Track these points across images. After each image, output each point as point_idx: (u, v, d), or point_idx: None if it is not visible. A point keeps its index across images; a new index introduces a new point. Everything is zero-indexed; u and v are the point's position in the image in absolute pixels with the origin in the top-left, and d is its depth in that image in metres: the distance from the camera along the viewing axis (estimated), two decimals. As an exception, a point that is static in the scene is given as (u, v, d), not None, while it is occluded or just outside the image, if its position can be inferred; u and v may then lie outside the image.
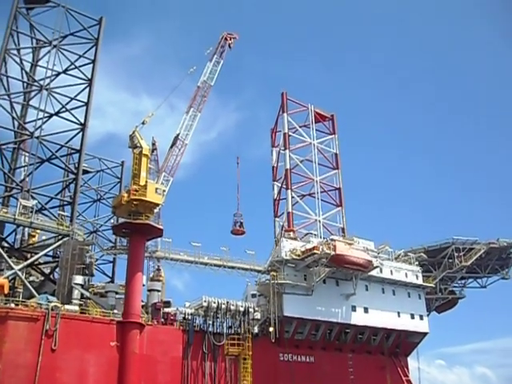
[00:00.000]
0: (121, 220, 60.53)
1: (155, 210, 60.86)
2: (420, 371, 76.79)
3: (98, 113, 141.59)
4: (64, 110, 64.70)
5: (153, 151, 70.48)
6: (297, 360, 66.37)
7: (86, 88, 66.28)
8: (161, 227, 59.99)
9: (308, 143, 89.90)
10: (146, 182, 59.36)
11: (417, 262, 79.00)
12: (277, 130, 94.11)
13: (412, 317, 75.54)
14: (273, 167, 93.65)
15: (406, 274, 76.29)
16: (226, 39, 76.20)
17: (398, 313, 74.18)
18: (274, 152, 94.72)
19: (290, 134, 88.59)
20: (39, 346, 48.87)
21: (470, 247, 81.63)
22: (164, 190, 61.77)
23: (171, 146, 70.24)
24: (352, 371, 69.23)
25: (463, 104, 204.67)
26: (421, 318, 76.45)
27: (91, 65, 67.23)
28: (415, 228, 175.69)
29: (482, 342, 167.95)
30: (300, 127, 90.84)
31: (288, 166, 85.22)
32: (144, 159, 60.49)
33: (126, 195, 58.01)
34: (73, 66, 66.49)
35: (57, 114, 64.49)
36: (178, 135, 70.26)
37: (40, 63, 69.32)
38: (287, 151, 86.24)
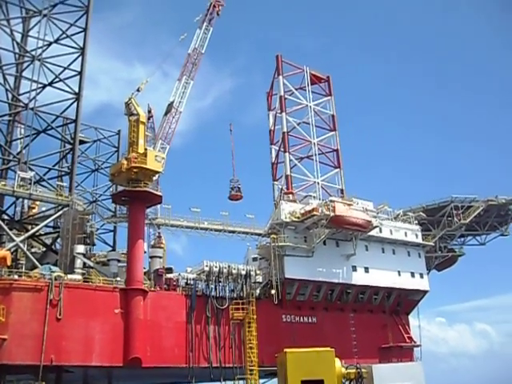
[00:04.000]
0: (120, 188, 60.65)
1: (154, 178, 60.92)
2: (421, 329, 77.88)
3: (90, 82, 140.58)
4: (57, 79, 64.00)
5: (149, 118, 70.02)
6: (299, 321, 67.08)
7: (78, 57, 65.39)
8: (160, 194, 60.05)
9: (304, 105, 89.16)
10: (146, 149, 59.23)
11: (416, 221, 79.18)
12: (272, 93, 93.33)
13: (412, 275, 76.02)
14: (270, 131, 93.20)
15: (406, 233, 76.62)
16: (214, 6, 75.18)
17: (399, 272, 74.73)
18: (271, 115, 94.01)
19: (286, 96, 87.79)
20: (44, 316, 49.32)
21: (469, 205, 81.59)
22: (163, 158, 61.62)
23: (165, 114, 70.12)
24: (354, 330, 69.99)
25: (461, 53, 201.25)
26: (421, 276, 77.01)
27: (83, 33, 66.18)
28: (414, 188, 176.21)
29: (482, 299, 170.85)
30: (296, 90, 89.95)
31: (285, 129, 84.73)
32: (141, 126, 60.21)
33: (125, 163, 57.76)
34: (64, 35, 65.46)
35: (50, 84, 63.84)
36: (172, 103, 69.96)
37: (31, 33, 68.16)
38: (284, 114, 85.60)
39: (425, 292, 77.62)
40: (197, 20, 74.71)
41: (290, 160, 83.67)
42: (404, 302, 76.54)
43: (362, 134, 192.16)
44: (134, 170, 57.76)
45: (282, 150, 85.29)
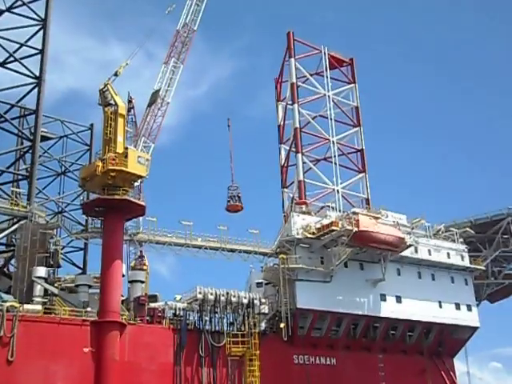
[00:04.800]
0: (92, 196, 60.21)
1: (135, 184, 60.73)
2: (470, 376, 76.84)
3: (55, 64, 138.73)
4: (12, 59, 63.70)
5: (129, 110, 70.11)
6: (314, 362, 66.21)
7: (39, 31, 65.06)
8: (143, 203, 59.67)
9: (322, 95, 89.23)
10: (126, 148, 58.73)
11: (462, 239, 78.33)
12: (282, 80, 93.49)
13: (457, 307, 75.07)
14: (278, 126, 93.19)
15: (449, 254, 75.74)
16: None
17: (440, 302, 73.82)
18: (280, 107, 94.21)
19: (299, 84, 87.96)
20: (-8, 358, 48.36)
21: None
22: (148, 159, 61.11)
23: (149, 105, 70.13)
24: (383, 376, 69.04)
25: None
26: (468, 308, 75.98)
27: (44, 0, 65.62)
28: (458, 197, 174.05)
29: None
30: (311, 75, 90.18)
31: (297, 125, 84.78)
32: (120, 120, 59.80)
33: (100, 165, 57.05)
34: (20, 3, 65.01)
35: (3, 64, 63.55)
36: (157, 91, 70.02)
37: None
38: (296, 106, 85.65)
39: (474, 329, 76.48)
40: None
41: (304, 162, 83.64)
42: (447, 341, 75.31)
43: (391, 128, 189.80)
44: (111, 174, 56.91)
45: (294, 150, 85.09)
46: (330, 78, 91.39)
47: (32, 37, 64.71)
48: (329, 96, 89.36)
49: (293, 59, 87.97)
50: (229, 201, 79.30)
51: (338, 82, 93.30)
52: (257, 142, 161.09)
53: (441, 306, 73.70)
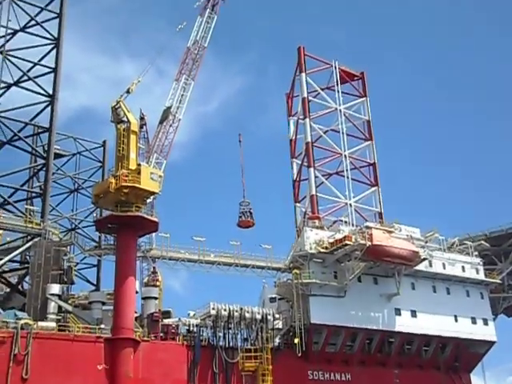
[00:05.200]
0: (105, 213, 60.22)
1: (148, 200, 60.55)
2: (487, 391, 75.91)
3: (68, 82, 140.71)
4: (26, 78, 64.13)
5: (141, 127, 70.23)
6: (329, 378, 65.88)
7: (52, 50, 65.50)
8: (156, 220, 59.69)
9: (333, 109, 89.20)
10: (139, 165, 58.85)
11: (476, 253, 77.82)
12: (293, 94, 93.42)
13: (473, 321, 74.54)
14: (290, 141, 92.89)
15: (463, 268, 75.37)
16: None
17: (455, 317, 73.40)
18: (292, 122, 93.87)
19: (311, 98, 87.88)
20: (6, 376, 48.23)
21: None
22: (161, 176, 61.31)
23: (161, 122, 70.37)
24: (399, 391, 68.66)
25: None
26: (485, 322, 75.42)
27: (57, 20, 66.27)
28: (472, 210, 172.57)
29: None
30: (322, 90, 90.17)
31: (309, 139, 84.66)
32: (133, 137, 60.06)
33: (113, 181, 57.19)
34: (33, 22, 65.64)
35: (17, 83, 63.92)
36: (169, 108, 70.30)
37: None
38: (307, 120, 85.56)
39: (491, 343, 75.81)
40: (197, 5, 75.40)
41: (316, 177, 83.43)
42: (464, 355, 74.70)
43: (403, 143, 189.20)
44: (124, 191, 57.13)
45: (306, 164, 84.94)
46: (341, 92, 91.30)
47: (45, 56, 65.18)
48: (340, 110, 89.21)
49: (304, 74, 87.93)
50: (240, 216, 78.97)
51: (349, 96, 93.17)
52: (268, 157, 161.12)
53: (456, 320, 73.21)
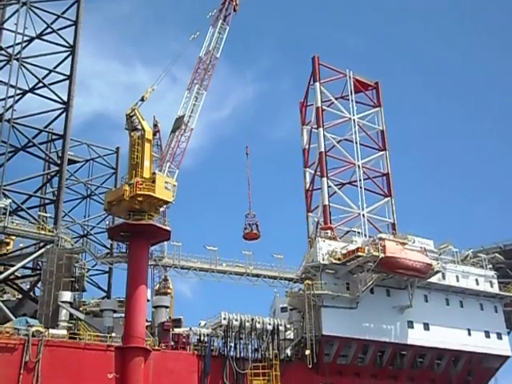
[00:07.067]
0: (118, 220, 60.30)
1: (161, 209, 60.63)
2: (501, 408, 75.49)
3: (81, 88, 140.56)
4: (41, 85, 64.34)
5: (155, 134, 70.34)
6: (340, 390, 65.44)
7: (67, 57, 65.77)
8: (168, 228, 59.86)
9: (347, 119, 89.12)
10: (154, 173, 59.09)
11: (491, 265, 77.24)
12: (307, 103, 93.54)
13: (487, 335, 73.75)
14: (303, 150, 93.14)
15: (477, 281, 74.74)
16: (229, 1, 76.04)
17: (469, 330, 72.66)
18: (305, 131, 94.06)
19: (324, 107, 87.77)
20: (17, 383, 48.23)
21: None
22: (175, 185, 61.61)
23: (173, 131, 70.37)
24: (411, 404, 68.09)
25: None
26: (499, 336, 74.56)
27: (73, 27, 66.66)
28: (486, 221, 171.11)
29: None
30: (336, 99, 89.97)
31: (322, 149, 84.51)
32: (147, 145, 60.51)
33: (128, 189, 57.46)
34: (49, 30, 65.95)
35: (32, 90, 64.19)
36: (181, 117, 70.31)
37: (6, 26, 68.27)
38: (321, 130, 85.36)
39: (505, 358, 74.92)
40: (210, 16, 75.48)
41: (329, 186, 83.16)
42: (477, 370, 73.96)
43: (417, 154, 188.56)
44: (139, 199, 57.41)
45: (319, 174, 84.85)
46: (355, 101, 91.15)
47: (61, 63, 65.58)
48: (354, 120, 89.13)
49: (318, 83, 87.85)
50: (245, 228, 79.04)
51: (363, 106, 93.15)
52: (280, 166, 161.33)
53: (470, 334, 72.48)
